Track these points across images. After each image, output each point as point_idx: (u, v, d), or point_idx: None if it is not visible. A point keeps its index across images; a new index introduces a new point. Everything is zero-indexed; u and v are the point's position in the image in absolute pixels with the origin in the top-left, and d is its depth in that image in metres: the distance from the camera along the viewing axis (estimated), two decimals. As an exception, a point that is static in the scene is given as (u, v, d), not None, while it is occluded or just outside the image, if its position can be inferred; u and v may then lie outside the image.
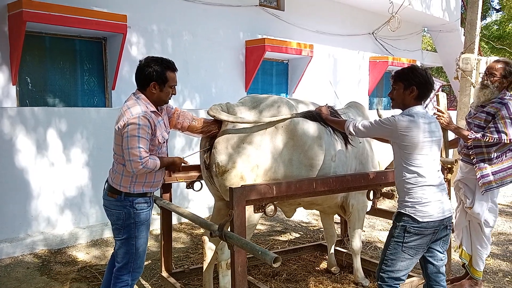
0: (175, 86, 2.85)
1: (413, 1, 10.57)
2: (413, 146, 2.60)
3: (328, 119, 3.18)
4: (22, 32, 5.39)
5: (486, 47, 22.12)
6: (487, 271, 4.32)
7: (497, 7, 24.14)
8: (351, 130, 2.90)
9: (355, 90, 10.89)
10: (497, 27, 23.50)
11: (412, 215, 2.61)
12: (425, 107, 2.83)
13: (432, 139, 2.64)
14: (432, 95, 3.56)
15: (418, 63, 12.62)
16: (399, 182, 2.71)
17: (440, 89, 16.97)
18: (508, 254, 4.84)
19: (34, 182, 4.79)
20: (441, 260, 2.78)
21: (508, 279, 4.16)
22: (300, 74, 9.17)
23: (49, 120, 4.89)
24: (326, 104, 3.40)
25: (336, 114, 3.43)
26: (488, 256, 4.67)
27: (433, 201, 2.61)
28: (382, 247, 2.84)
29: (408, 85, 2.67)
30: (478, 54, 12.91)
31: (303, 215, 6.48)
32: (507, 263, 4.58)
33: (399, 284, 2.73)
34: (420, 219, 2.59)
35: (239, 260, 2.57)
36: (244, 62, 8.41)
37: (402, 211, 2.67)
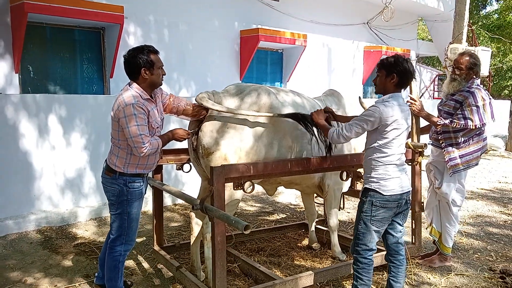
0: (163, 67, 3.11)
1: (407, -9, 10.75)
2: (389, 129, 2.85)
3: (319, 123, 3.29)
4: (24, 23, 5.67)
5: (487, 35, 22.15)
6: (459, 248, 4.62)
7: (497, -4, 24.08)
8: (336, 138, 3.04)
9: (349, 79, 11.13)
10: (497, 16, 23.52)
11: (376, 189, 2.92)
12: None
13: (404, 125, 2.91)
14: (418, 84, 3.83)
15: (413, 53, 12.84)
16: (367, 160, 3.00)
17: (437, 78, 17.15)
18: (481, 234, 5.13)
19: (36, 164, 5.12)
20: (400, 232, 3.09)
21: (477, 255, 4.45)
22: (294, 63, 9.43)
23: (50, 106, 5.19)
24: (325, 108, 3.51)
25: (332, 118, 3.48)
26: (462, 235, 4.99)
27: (394, 177, 2.92)
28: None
29: (389, 73, 2.92)
30: (473, 44, 13.08)
31: (291, 197, 6.80)
32: (479, 241, 4.88)
33: (372, 254, 3.04)
34: (384, 193, 2.90)
35: (218, 231, 2.88)
36: (239, 52, 8.66)
37: (368, 186, 2.97)
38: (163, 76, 3.14)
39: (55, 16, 5.99)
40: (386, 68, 2.95)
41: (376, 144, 2.93)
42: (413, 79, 3.05)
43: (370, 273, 3.05)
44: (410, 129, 3.10)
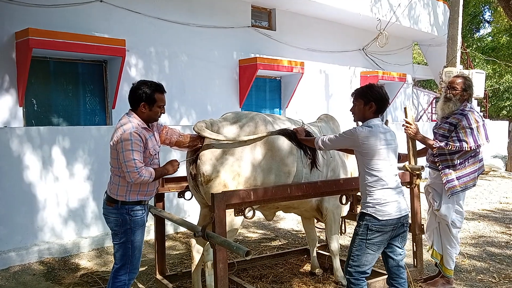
0: (164, 106, 3.22)
1: (401, 17, 11.03)
2: (372, 152, 2.96)
3: (302, 139, 3.54)
4: (29, 57, 5.85)
5: (482, 58, 22.53)
6: (462, 270, 4.61)
7: (489, 20, 24.60)
8: (320, 145, 3.30)
9: (347, 104, 11.26)
10: (491, 38, 23.99)
11: (373, 214, 2.96)
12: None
13: (388, 147, 3.00)
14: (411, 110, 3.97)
15: (409, 77, 13.06)
16: (362, 185, 3.07)
17: (434, 100, 17.36)
18: (484, 255, 5.12)
19: (40, 195, 5.17)
20: (400, 254, 3.11)
21: (480, 277, 4.44)
22: (292, 90, 9.60)
23: (53, 138, 5.29)
24: (303, 125, 3.75)
25: (310, 134, 3.73)
26: (465, 256, 4.99)
27: (391, 201, 2.96)
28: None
29: (367, 101, 3.05)
30: (469, 67, 13.31)
31: (293, 223, 6.81)
32: (482, 263, 4.87)
33: (364, 277, 3.06)
34: (380, 218, 2.94)
35: (220, 257, 2.92)
36: (238, 80, 8.85)
37: (364, 211, 3.02)
38: (162, 113, 3.22)
39: (58, 51, 6.17)
40: (363, 97, 3.07)
41: (365, 168, 3.02)
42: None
43: None
44: (397, 152, 3.19)
